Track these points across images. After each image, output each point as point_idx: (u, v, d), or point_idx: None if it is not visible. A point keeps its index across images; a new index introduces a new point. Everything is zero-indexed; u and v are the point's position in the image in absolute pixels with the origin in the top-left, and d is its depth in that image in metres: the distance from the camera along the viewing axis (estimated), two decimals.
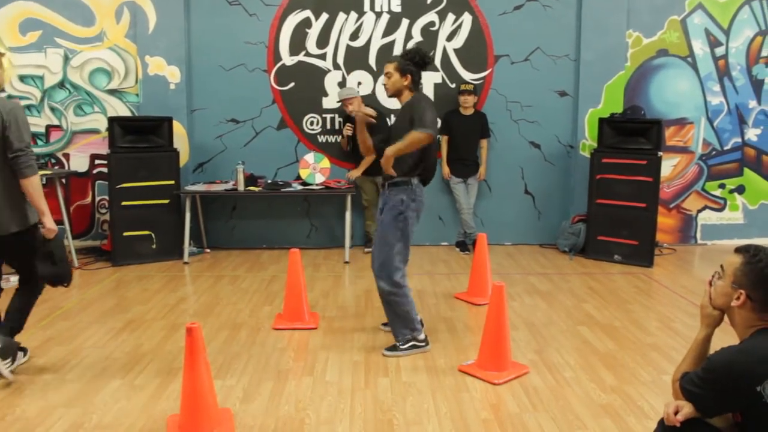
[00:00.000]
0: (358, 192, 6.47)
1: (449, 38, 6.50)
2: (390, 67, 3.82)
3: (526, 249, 6.67)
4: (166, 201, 6.06)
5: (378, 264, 3.81)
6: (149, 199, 5.97)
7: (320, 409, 3.16)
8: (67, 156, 6.54)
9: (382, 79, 3.90)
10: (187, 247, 6.06)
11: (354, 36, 6.52)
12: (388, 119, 6.29)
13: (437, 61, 6.52)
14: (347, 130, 6.23)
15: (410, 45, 6.38)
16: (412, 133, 3.55)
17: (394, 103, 6.46)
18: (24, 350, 3.69)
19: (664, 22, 6.57)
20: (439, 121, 5.99)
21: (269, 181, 6.29)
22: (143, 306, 4.76)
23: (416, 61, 3.79)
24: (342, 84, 6.55)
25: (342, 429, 2.98)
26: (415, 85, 3.84)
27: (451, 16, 6.51)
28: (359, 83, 6.52)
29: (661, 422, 2.11)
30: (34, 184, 3.28)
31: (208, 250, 6.54)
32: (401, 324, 3.83)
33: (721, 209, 6.87)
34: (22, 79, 6.46)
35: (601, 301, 4.89)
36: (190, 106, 6.54)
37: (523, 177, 6.76)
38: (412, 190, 3.75)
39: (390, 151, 3.58)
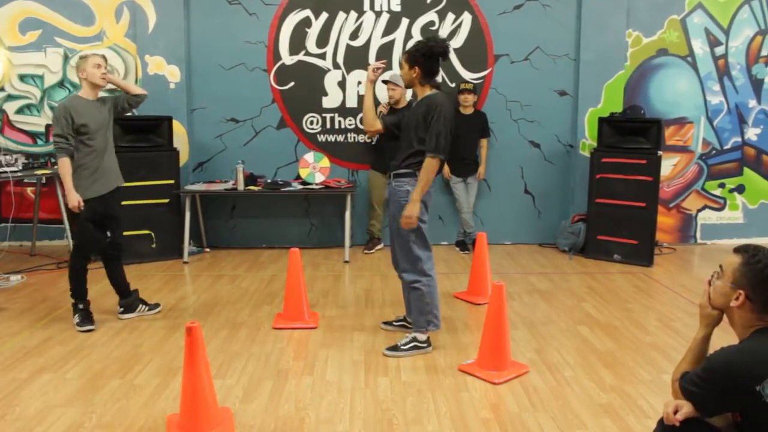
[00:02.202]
0: (364, 189, 6.47)
1: (449, 38, 6.50)
2: (402, 59, 3.82)
3: (525, 248, 6.67)
4: (166, 200, 6.06)
5: (399, 256, 3.86)
6: (149, 198, 5.98)
7: (320, 409, 3.16)
8: None
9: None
10: (186, 246, 6.06)
11: (354, 35, 6.52)
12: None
13: None
14: (382, 108, 6.07)
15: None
16: (426, 163, 3.63)
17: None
18: (148, 305, 4.59)
19: (664, 22, 6.57)
20: None
21: (269, 181, 6.29)
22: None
23: (423, 52, 3.68)
24: (342, 84, 6.54)
25: (342, 428, 2.98)
26: (427, 77, 3.73)
27: (450, 16, 6.51)
28: (359, 83, 6.52)
29: (661, 422, 2.11)
30: (59, 167, 4.13)
31: (207, 250, 6.54)
32: (418, 312, 3.84)
33: (720, 209, 6.87)
34: (22, 78, 6.46)
35: (601, 301, 4.90)
36: (190, 106, 6.54)
37: (523, 176, 6.76)
38: (416, 182, 3.75)
39: (416, 195, 3.65)
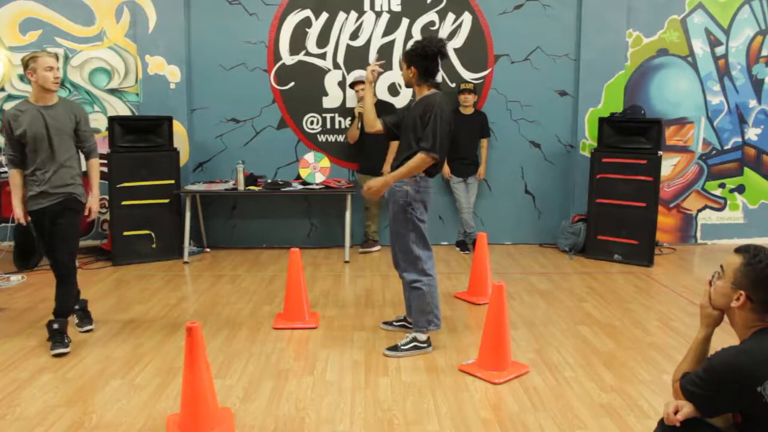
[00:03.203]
0: (359, 191, 6.47)
1: (449, 38, 6.50)
2: (401, 59, 3.86)
3: (526, 248, 6.67)
4: (166, 200, 6.06)
5: (399, 256, 3.87)
6: (149, 198, 5.98)
7: (320, 409, 3.16)
8: None
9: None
10: (187, 246, 6.06)
11: (354, 35, 6.52)
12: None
13: None
14: (360, 108, 6.16)
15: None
16: (417, 156, 3.62)
17: (393, 102, 6.50)
18: (57, 342, 3.90)
19: (665, 22, 6.57)
20: None
21: (269, 181, 6.29)
22: (143, 305, 4.76)
23: (418, 53, 3.70)
24: (342, 84, 6.55)
25: (342, 428, 2.98)
26: (424, 77, 3.74)
27: (451, 16, 6.51)
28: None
29: (661, 422, 2.11)
30: (9, 180, 3.93)
31: (208, 250, 6.55)
32: (419, 311, 3.85)
33: (721, 209, 6.87)
34: (22, 78, 6.46)
35: (601, 301, 4.90)
36: (190, 106, 6.54)
37: (523, 176, 6.76)
38: (416, 182, 3.75)
39: (390, 177, 3.68)
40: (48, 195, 3.85)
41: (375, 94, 6.14)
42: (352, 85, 6.31)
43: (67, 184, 3.90)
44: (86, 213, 4.01)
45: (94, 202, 4.05)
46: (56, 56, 3.86)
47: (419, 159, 3.63)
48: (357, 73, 6.33)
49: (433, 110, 3.62)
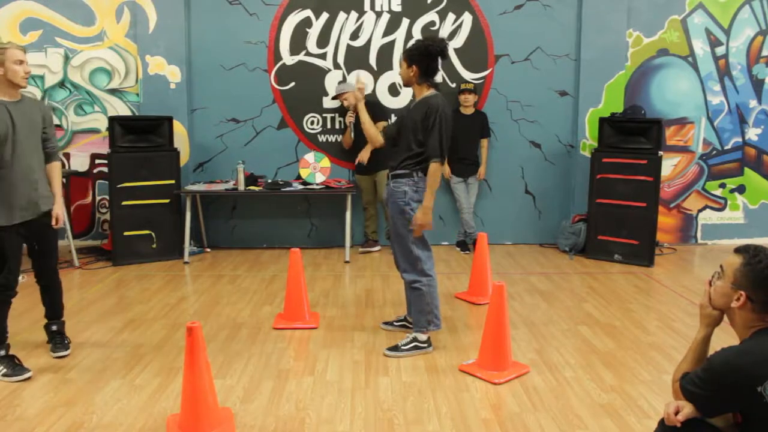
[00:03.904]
0: (358, 192, 6.48)
1: (450, 38, 6.50)
2: (401, 57, 3.86)
3: (526, 248, 6.67)
4: (167, 200, 6.06)
5: (398, 256, 3.88)
6: (150, 198, 5.98)
7: (321, 409, 3.16)
8: (67, 155, 6.54)
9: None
10: (187, 246, 6.06)
11: (354, 36, 6.52)
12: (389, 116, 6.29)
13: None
14: (350, 117, 6.18)
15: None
16: (431, 168, 3.69)
17: (393, 102, 6.51)
18: (14, 369, 3.55)
19: (665, 22, 6.57)
20: None
21: (269, 181, 6.29)
22: (144, 305, 4.76)
23: (420, 51, 3.69)
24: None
25: (342, 428, 2.98)
26: (425, 76, 3.73)
27: (451, 16, 6.51)
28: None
29: (662, 422, 2.11)
30: None
31: (208, 250, 6.55)
32: (419, 312, 3.85)
33: (721, 209, 6.87)
34: None
35: (602, 301, 4.90)
36: (191, 106, 6.54)
37: (524, 176, 6.76)
38: (415, 182, 3.76)
39: (425, 201, 3.70)
40: (22, 208, 3.52)
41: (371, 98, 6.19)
42: (335, 98, 6.36)
43: (41, 196, 3.61)
44: (53, 222, 3.65)
45: (60, 209, 3.68)
46: (24, 49, 3.48)
47: (434, 169, 3.68)
48: (339, 87, 6.30)
49: (437, 114, 3.62)
